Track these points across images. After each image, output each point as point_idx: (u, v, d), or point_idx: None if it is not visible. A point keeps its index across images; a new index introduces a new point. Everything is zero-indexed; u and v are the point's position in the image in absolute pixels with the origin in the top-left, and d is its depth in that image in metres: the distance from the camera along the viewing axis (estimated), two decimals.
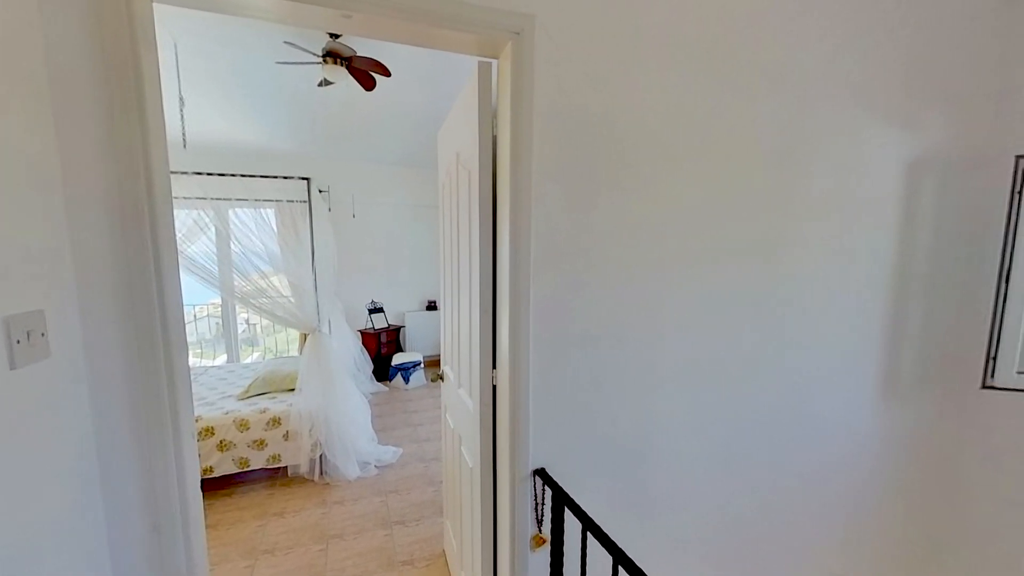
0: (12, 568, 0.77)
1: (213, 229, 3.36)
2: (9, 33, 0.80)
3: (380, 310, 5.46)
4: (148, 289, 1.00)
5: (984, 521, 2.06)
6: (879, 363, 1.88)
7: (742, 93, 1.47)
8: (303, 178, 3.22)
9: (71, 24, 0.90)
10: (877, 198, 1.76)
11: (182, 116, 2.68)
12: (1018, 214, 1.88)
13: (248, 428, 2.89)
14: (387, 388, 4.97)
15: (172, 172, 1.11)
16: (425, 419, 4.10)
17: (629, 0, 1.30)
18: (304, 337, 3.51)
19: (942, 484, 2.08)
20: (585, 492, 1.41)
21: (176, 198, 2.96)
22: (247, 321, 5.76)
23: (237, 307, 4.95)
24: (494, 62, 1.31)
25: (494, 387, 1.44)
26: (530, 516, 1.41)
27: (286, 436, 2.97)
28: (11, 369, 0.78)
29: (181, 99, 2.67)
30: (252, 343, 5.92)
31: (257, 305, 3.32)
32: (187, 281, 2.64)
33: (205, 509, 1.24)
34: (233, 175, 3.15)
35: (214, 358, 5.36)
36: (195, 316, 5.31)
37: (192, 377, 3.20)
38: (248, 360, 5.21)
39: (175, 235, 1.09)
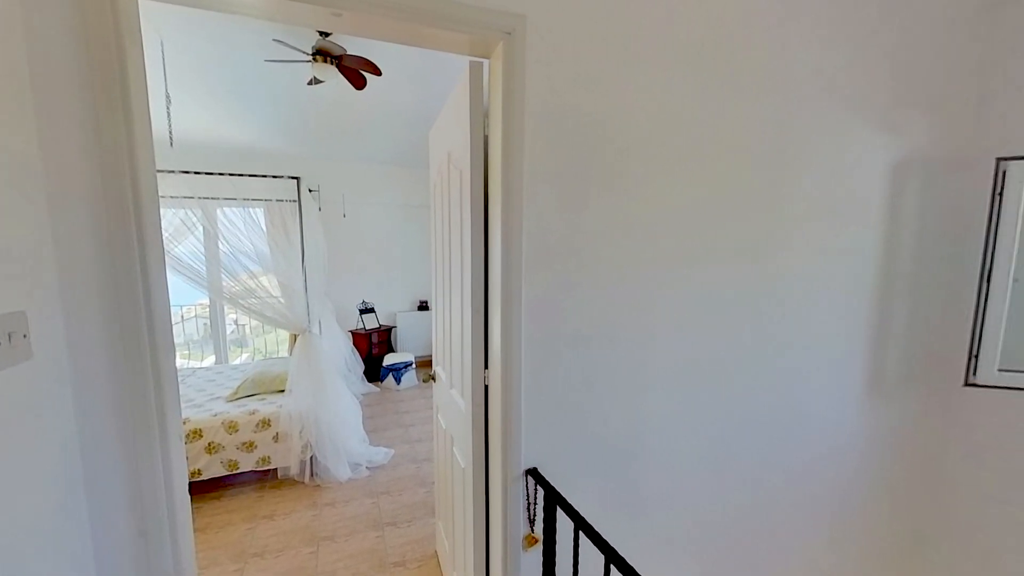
0: None
1: (201, 228, 3.31)
2: None
3: (371, 310, 5.42)
4: (134, 289, 0.98)
5: (966, 516, 2.10)
6: (865, 362, 1.91)
7: (731, 95, 1.49)
8: (293, 177, 3.20)
9: (54, 19, 0.88)
10: (863, 199, 1.79)
11: (169, 114, 2.64)
12: (999, 215, 1.92)
13: (237, 430, 2.86)
14: (378, 389, 4.95)
15: (158, 171, 1.10)
16: (417, 420, 4.09)
17: (620, 2, 1.31)
18: (294, 338, 3.48)
19: (926, 480, 2.12)
20: (577, 491, 1.42)
21: (163, 197, 2.92)
22: (236, 322, 5.70)
23: (225, 308, 4.89)
24: (485, 62, 1.31)
25: (486, 387, 1.44)
26: (522, 516, 1.41)
27: (276, 438, 2.94)
28: None
29: (168, 97, 2.63)
30: (241, 344, 5.85)
31: (246, 306, 3.28)
32: (174, 281, 2.60)
33: (193, 512, 1.22)
34: (221, 174, 3.11)
35: (202, 359, 5.29)
36: (182, 317, 5.24)
37: (180, 379, 3.15)
38: (237, 361, 5.15)
39: (161, 234, 1.07)
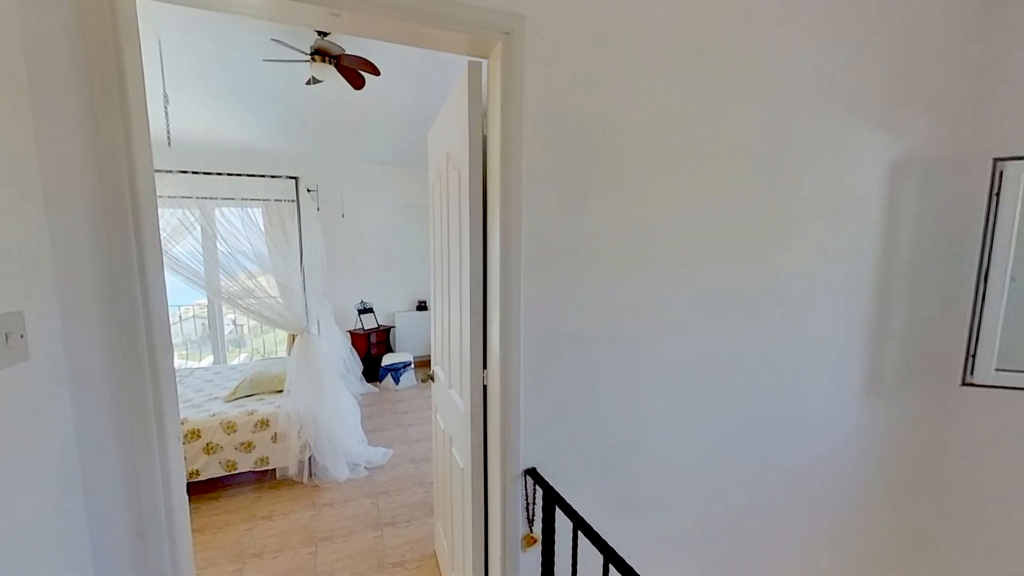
0: None
1: (199, 228, 3.30)
2: None
3: (370, 310, 5.42)
4: (132, 289, 0.98)
5: (965, 515, 2.11)
6: (864, 361, 1.92)
7: (731, 95, 1.49)
8: (291, 177, 3.19)
9: (52, 19, 0.88)
10: (862, 199, 1.79)
11: (167, 113, 2.63)
12: (996, 215, 1.93)
13: (235, 430, 2.85)
14: (377, 389, 4.94)
15: (156, 170, 1.10)
16: (415, 420, 4.08)
17: (620, 2, 1.31)
18: (292, 338, 3.48)
19: (924, 479, 2.13)
20: (576, 491, 1.42)
21: (161, 197, 2.89)
22: (234, 322, 5.68)
23: (224, 308, 4.88)
24: (484, 62, 1.31)
25: (485, 387, 1.44)
26: (521, 516, 1.41)
27: (274, 438, 2.94)
28: None
29: (165, 96, 2.62)
30: (239, 344, 5.84)
31: (244, 306, 3.28)
32: (172, 281, 2.60)
33: (191, 513, 1.22)
34: (219, 174, 3.10)
35: (200, 360, 5.28)
36: (180, 317, 5.23)
37: (178, 379, 3.15)
38: (235, 361, 5.14)
39: (159, 234, 1.07)
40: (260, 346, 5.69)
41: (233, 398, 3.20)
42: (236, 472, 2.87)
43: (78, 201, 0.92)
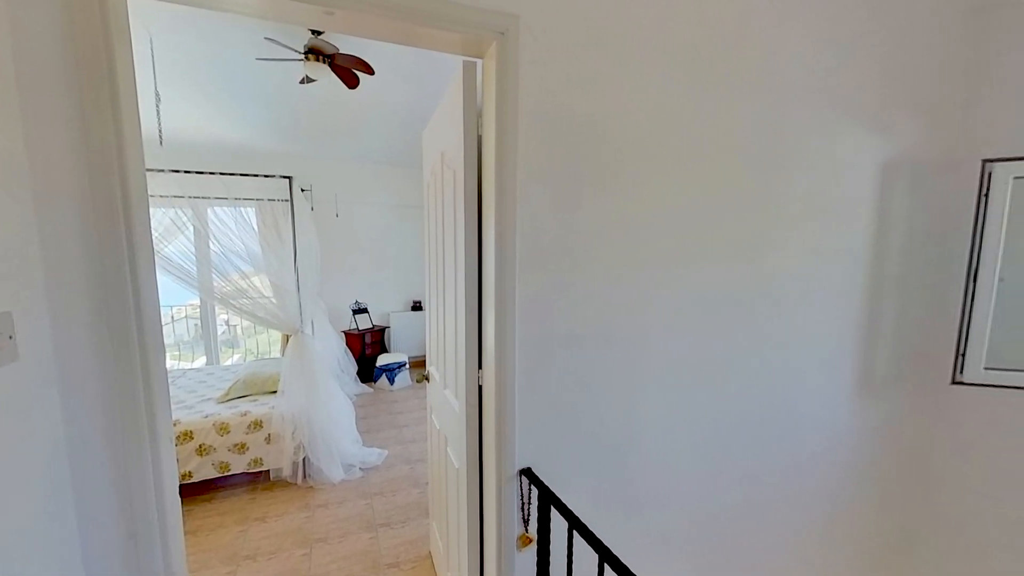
0: None
1: (191, 228, 3.27)
2: None
3: (364, 311, 5.40)
4: (123, 289, 0.97)
5: (954, 512, 2.13)
6: (856, 361, 1.93)
7: (725, 95, 1.50)
8: (285, 176, 3.17)
9: (40, 15, 0.86)
10: (853, 199, 1.81)
11: (158, 112, 2.61)
12: (985, 216, 1.95)
13: (228, 432, 2.83)
14: (372, 389, 4.92)
15: (148, 169, 1.09)
16: (410, 420, 4.07)
17: (614, 3, 1.31)
18: (286, 338, 3.46)
19: (914, 477, 2.15)
20: (571, 491, 1.42)
21: (152, 196, 2.89)
22: (227, 322, 5.65)
23: (217, 308, 4.85)
24: (479, 62, 1.31)
25: (480, 387, 1.44)
26: (516, 516, 1.41)
27: (268, 439, 2.92)
28: None
29: (157, 95, 2.60)
30: (232, 345, 5.80)
31: (237, 306, 3.25)
32: (164, 281, 2.57)
33: (184, 515, 1.21)
34: (212, 173, 3.08)
35: (193, 360, 5.24)
36: (172, 317, 5.19)
37: (170, 380, 3.11)
38: (228, 362, 5.11)
39: (151, 234, 1.06)
40: (253, 347, 5.65)
41: (226, 399, 3.17)
42: (229, 473, 2.85)
43: (68, 200, 0.91)
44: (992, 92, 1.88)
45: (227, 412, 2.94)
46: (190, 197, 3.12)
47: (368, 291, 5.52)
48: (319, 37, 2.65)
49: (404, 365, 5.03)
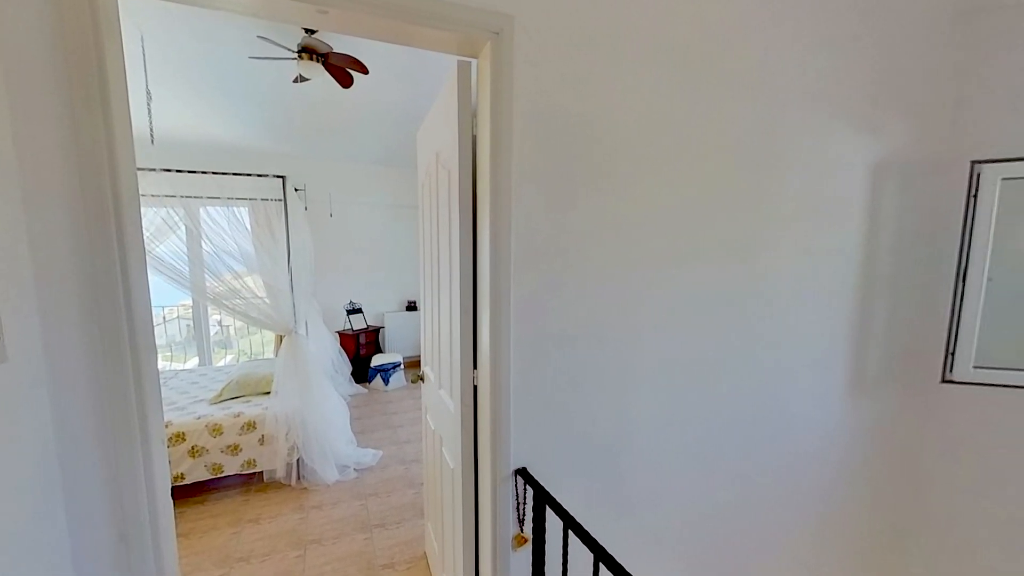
0: None
1: (183, 228, 3.24)
2: None
3: (359, 311, 5.38)
4: (114, 289, 0.96)
5: (944, 510, 2.16)
6: (847, 360, 1.95)
7: (718, 96, 1.51)
8: (278, 176, 3.15)
9: (27, 12, 0.85)
10: (844, 200, 1.83)
11: (149, 111, 2.59)
12: (974, 216, 1.98)
13: (221, 433, 2.81)
14: (366, 390, 4.90)
15: (139, 168, 1.08)
16: (405, 421, 4.06)
17: (608, 3, 1.32)
18: (280, 339, 3.43)
19: (905, 475, 2.18)
20: (566, 491, 1.42)
21: (144, 195, 2.85)
22: (220, 323, 5.60)
23: (209, 308, 4.81)
24: (473, 61, 1.31)
25: (475, 387, 1.44)
26: (511, 516, 1.41)
27: (261, 440, 2.90)
28: None
29: (148, 93, 2.58)
30: (225, 345, 5.75)
31: (230, 306, 3.23)
32: (156, 282, 2.55)
33: (176, 517, 1.20)
34: (204, 172, 3.05)
35: (185, 361, 5.18)
36: (164, 318, 5.13)
37: (162, 381, 3.09)
38: (221, 363, 5.06)
39: (142, 234, 1.05)
40: (247, 347, 5.61)
41: (219, 400, 3.15)
42: (222, 475, 2.83)
43: (58, 199, 0.90)
44: (980, 94, 1.91)
45: (220, 413, 2.91)
46: (182, 196, 3.09)
47: (362, 291, 5.50)
48: (313, 36, 2.64)
49: (399, 365, 5.01)
